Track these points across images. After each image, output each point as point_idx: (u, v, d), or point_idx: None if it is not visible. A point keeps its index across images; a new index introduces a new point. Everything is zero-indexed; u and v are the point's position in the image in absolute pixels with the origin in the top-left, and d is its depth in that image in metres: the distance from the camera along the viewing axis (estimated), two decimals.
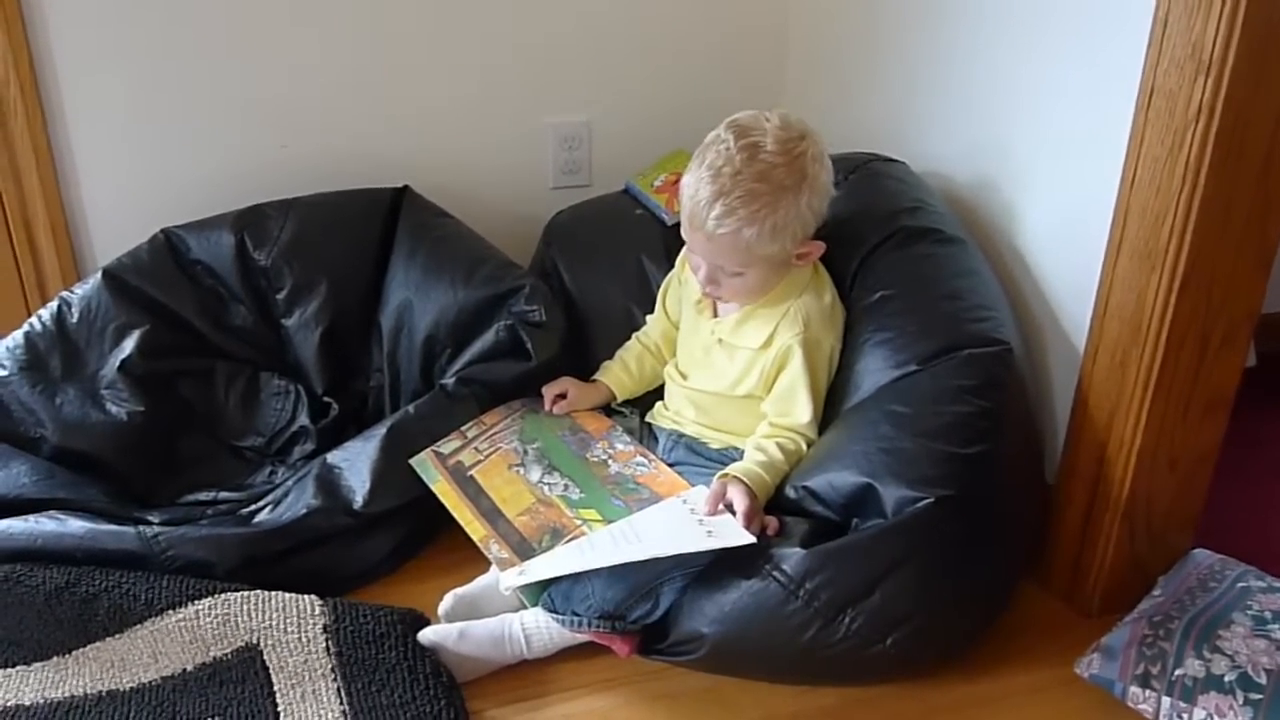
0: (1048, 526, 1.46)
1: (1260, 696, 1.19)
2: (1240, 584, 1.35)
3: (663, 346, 1.61)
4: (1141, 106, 1.26)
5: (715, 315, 1.49)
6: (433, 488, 1.44)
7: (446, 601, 1.34)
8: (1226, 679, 1.22)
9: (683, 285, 1.57)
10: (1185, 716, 1.22)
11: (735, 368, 1.45)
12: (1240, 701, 1.20)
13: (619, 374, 1.61)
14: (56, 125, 1.71)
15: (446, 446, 1.49)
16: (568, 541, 1.34)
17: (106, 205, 1.78)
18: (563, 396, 1.57)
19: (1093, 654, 1.30)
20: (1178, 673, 1.24)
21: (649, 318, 1.64)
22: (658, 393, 1.60)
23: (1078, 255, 1.40)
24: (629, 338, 1.66)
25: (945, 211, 1.55)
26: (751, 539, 1.21)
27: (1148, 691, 1.24)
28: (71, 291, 1.62)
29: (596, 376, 1.62)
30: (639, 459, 1.47)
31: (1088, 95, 1.37)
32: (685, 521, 1.28)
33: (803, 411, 1.39)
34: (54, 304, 1.61)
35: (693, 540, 1.23)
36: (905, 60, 1.73)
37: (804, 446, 1.38)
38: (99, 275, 1.63)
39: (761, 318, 1.43)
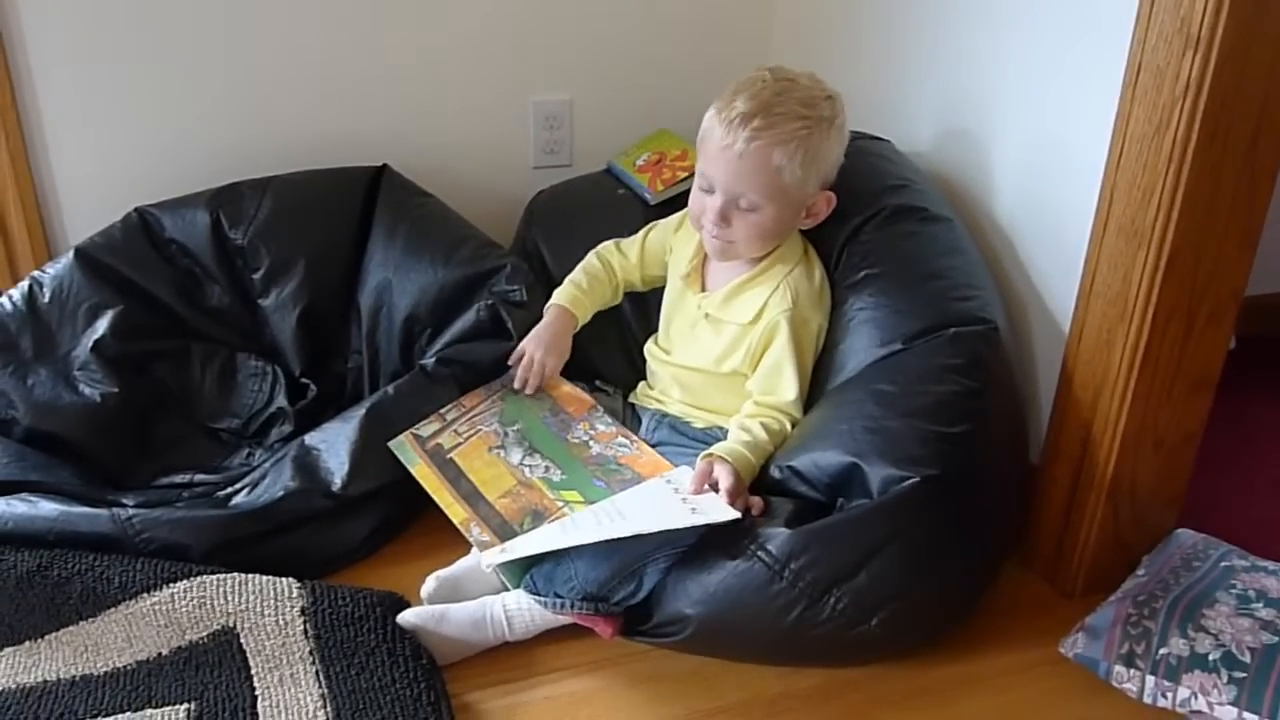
0: (1031, 507, 1.46)
1: (1244, 675, 1.20)
2: (1224, 563, 1.36)
3: (619, 275, 1.59)
4: (1129, 83, 1.25)
5: (703, 290, 1.48)
6: (412, 471, 1.41)
7: (429, 584, 1.32)
8: (1210, 658, 1.22)
9: (671, 252, 1.55)
10: (1169, 695, 1.22)
11: (721, 343, 1.43)
12: (1224, 680, 1.20)
13: (572, 293, 1.55)
14: (26, 100, 1.67)
15: (425, 429, 1.46)
16: (549, 523, 1.33)
17: (79, 183, 1.75)
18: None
19: (1077, 633, 1.30)
20: (1162, 652, 1.24)
21: (612, 243, 1.61)
22: (641, 373, 1.59)
23: (1063, 233, 1.40)
24: (610, 319, 1.64)
25: (931, 190, 1.54)
26: (736, 514, 1.21)
27: (1132, 671, 1.24)
28: (43, 271, 1.60)
29: (552, 303, 1.55)
30: (620, 439, 1.45)
31: (1074, 72, 1.36)
32: (669, 500, 1.27)
33: (788, 389, 1.38)
34: (25, 284, 1.58)
35: (677, 517, 1.21)
36: (890, 39, 1.72)
37: (788, 426, 1.37)
38: (71, 254, 1.60)
39: (750, 293, 1.42)
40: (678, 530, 1.21)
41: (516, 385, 1.50)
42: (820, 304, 1.43)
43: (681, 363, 1.48)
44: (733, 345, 1.42)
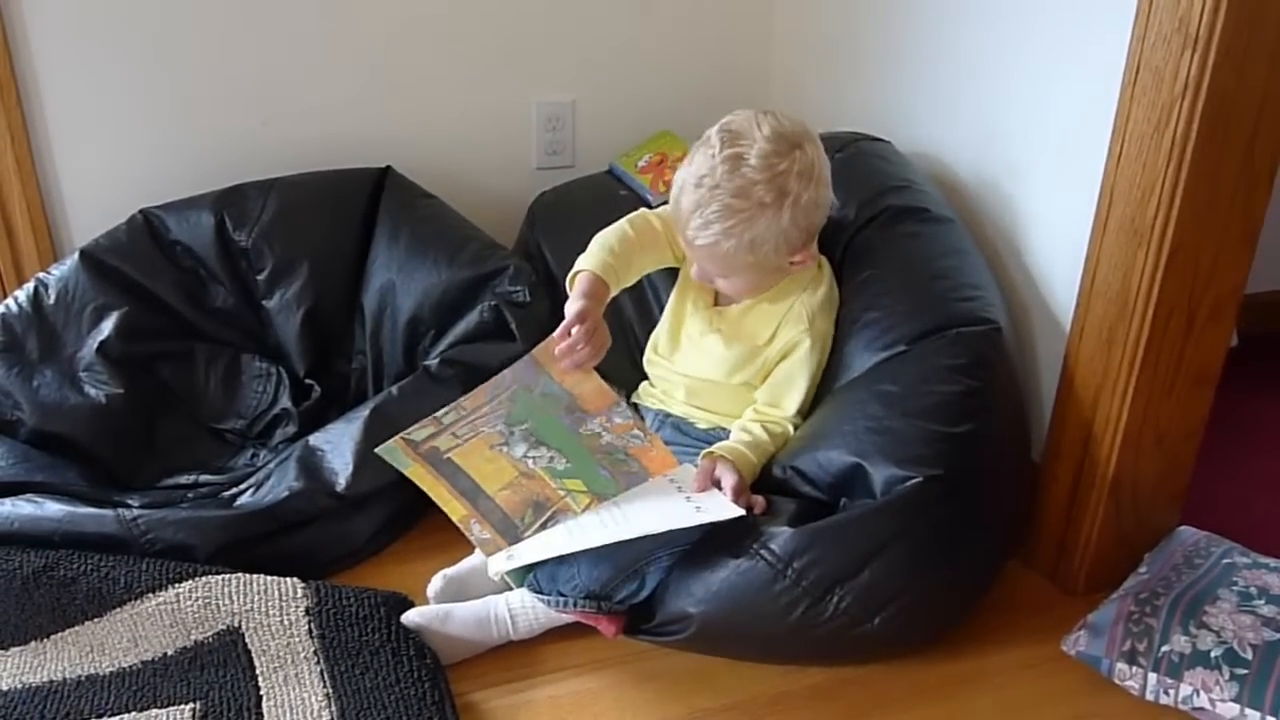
0: (1033, 504, 1.46)
1: (1246, 672, 1.20)
2: (1225, 560, 1.36)
3: (656, 239, 1.45)
4: (1128, 82, 1.25)
5: (716, 303, 1.47)
6: (405, 473, 1.32)
7: (435, 583, 1.33)
8: (1212, 654, 1.22)
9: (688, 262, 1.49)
10: (1172, 692, 1.22)
11: (732, 357, 1.42)
12: (1226, 677, 1.20)
13: (606, 260, 1.38)
14: (32, 102, 1.68)
15: (418, 434, 1.32)
16: (551, 513, 1.32)
17: (84, 185, 1.75)
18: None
19: (1079, 631, 1.30)
20: (1164, 649, 1.24)
21: (650, 213, 1.48)
22: (644, 372, 1.59)
23: (1064, 232, 1.40)
24: (612, 316, 1.63)
25: (931, 190, 1.55)
26: (741, 511, 1.21)
27: (1134, 668, 1.25)
28: (48, 273, 1.61)
29: (585, 269, 1.37)
30: (635, 432, 1.39)
31: (1074, 72, 1.37)
32: (673, 498, 1.27)
33: (793, 403, 1.39)
34: (30, 285, 1.59)
35: (681, 516, 1.22)
36: (891, 40, 1.72)
37: (790, 430, 1.38)
38: (76, 256, 1.61)
39: (764, 313, 1.41)
40: (682, 529, 1.21)
41: (566, 363, 1.32)
42: (831, 314, 1.43)
43: (688, 372, 1.47)
44: (745, 359, 1.41)
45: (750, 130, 1.30)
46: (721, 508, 1.22)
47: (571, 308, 1.32)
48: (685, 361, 1.48)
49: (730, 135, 1.31)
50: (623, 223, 1.45)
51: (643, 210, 1.49)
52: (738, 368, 1.42)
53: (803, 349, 1.38)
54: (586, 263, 1.38)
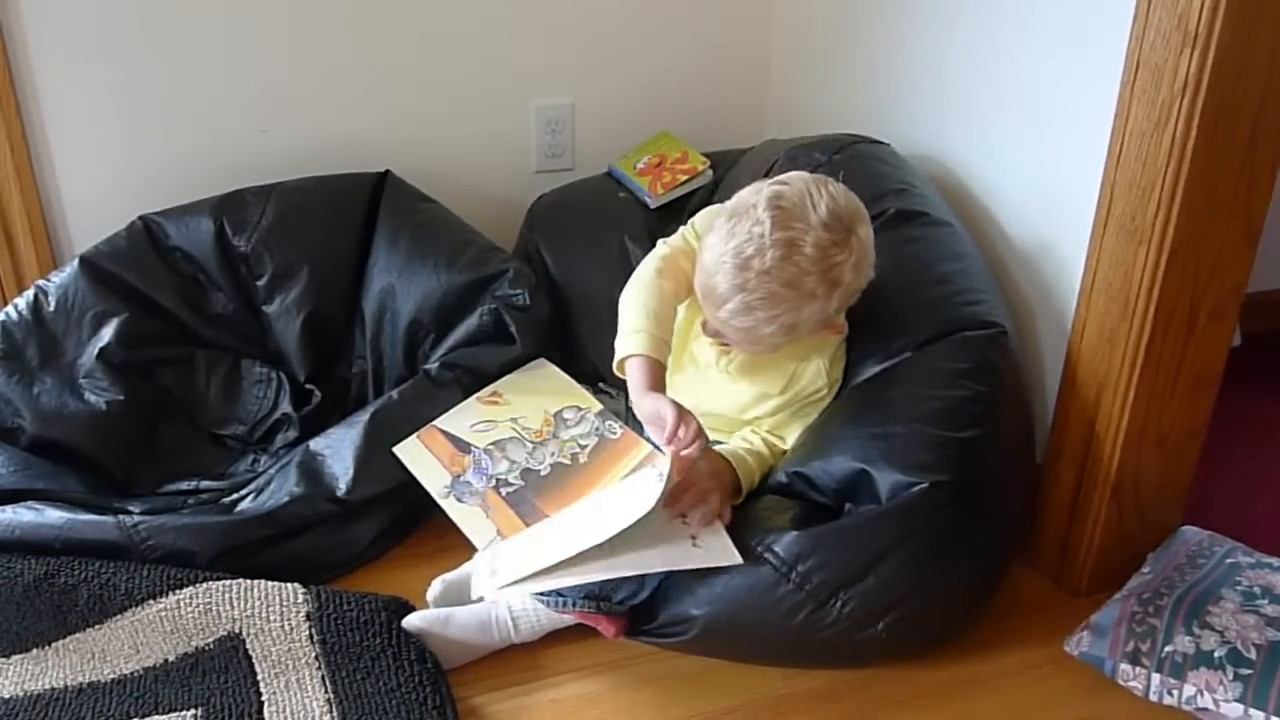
0: (1036, 505, 1.46)
1: (1250, 672, 1.19)
2: (1229, 560, 1.35)
3: (688, 283, 1.34)
4: (1127, 81, 1.25)
5: (726, 346, 1.36)
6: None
7: (434, 587, 1.33)
8: (1216, 655, 1.22)
9: None
10: (1175, 693, 1.22)
11: (742, 397, 1.38)
12: (1230, 677, 1.20)
13: (659, 336, 1.30)
14: (31, 110, 1.68)
15: None
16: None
17: (83, 192, 1.76)
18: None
19: (1082, 632, 1.30)
20: (1167, 649, 1.24)
21: (672, 250, 1.38)
22: None
23: (1064, 232, 1.40)
24: (612, 322, 1.63)
25: (931, 193, 1.54)
26: (739, 560, 1.19)
27: (1137, 668, 1.24)
28: (48, 280, 1.61)
29: (638, 352, 1.28)
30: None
31: (1073, 71, 1.37)
32: (675, 534, 1.22)
33: (795, 437, 1.37)
34: (30, 292, 1.59)
35: (679, 556, 1.19)
36: (890, 41, 1.72)
37: (787, 450, 1.38)
38: (76, 263, 1.61)
39: (779, 365, 1.36)
40: (676, 553, 1.19)
41: (689, 452, 1.22)
42: (844, 356, 1.39)
43: (691, 404, 1.28)
44: (756, 401, 1.38)
45: (805, 210, 1.20)
46: (722, 553, 1.20)
47: (664, 411, 1.21)
48: (689, 390, 1.39)
49: (782, 214, 1.19)
50: (654, 277, 1.34)
51: (663, 253, 1.38)
52: (745, 409, 1.39)
53: (819, 395, 1.36)
54: (638, 345, 1.28)
